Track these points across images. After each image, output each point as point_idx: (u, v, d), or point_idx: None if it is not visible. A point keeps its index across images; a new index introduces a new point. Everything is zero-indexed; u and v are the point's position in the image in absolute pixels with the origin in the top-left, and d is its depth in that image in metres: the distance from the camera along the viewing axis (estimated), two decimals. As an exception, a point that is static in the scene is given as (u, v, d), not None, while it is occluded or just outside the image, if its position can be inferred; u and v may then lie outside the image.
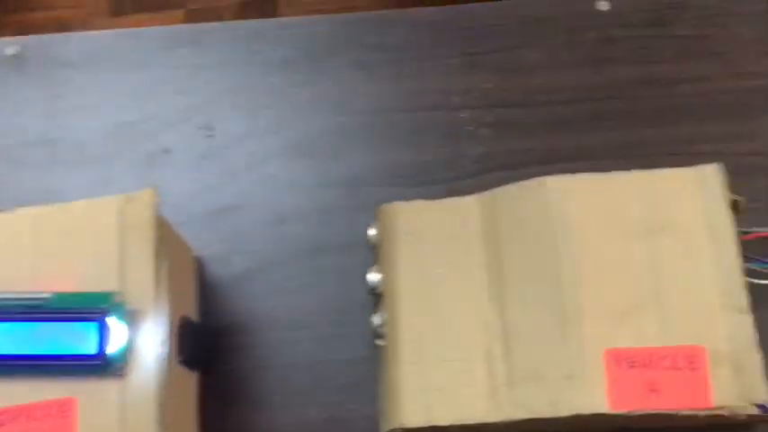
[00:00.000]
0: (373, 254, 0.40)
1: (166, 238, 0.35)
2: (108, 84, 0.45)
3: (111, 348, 0.30)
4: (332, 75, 0.45)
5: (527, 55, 0.45)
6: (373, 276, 0.38)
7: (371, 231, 0.39)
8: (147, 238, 0.32)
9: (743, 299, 0.33)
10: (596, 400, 0.32)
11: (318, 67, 0.45)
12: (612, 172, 0.35)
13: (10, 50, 0.45)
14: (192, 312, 0.39)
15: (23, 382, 0.31)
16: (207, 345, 0.38)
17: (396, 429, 0.34)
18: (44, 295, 0.31)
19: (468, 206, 0.37)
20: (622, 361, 0.32)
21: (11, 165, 0.43)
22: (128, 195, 0.33)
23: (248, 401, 0.38)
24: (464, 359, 0.35)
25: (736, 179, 0.39)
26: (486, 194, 0.37)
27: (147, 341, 0.31)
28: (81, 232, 0.33)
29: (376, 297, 0.38)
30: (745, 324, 0.33)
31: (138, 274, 0.32)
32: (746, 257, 0.36)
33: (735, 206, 0.38)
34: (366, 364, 0.39)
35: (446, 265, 0.36)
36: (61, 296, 0.31)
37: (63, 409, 0.30)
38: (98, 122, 0.44)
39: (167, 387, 0.31)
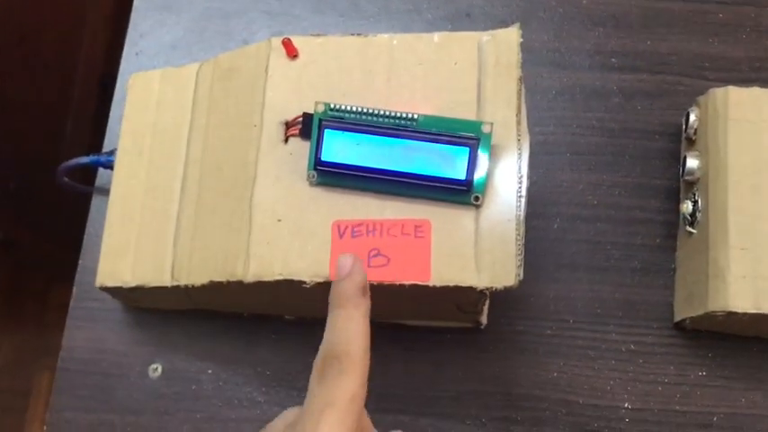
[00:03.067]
0: (683, 140, 0.39)
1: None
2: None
3: (476, 176, 0.30)
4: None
5: None
6: (692, 162, 0.36)
7: (692, 116, 0.37)
8: (511, 76, 0.31)
9: None
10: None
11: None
12: None
13: None
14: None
15: (382, 198, 0.31)
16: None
17: (714, 312, 0.33)
18: (413, 115, 0.30)
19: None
20: None
21: (317, 12, 0.43)
22: (491, 32, 0.32)
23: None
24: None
25: None
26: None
27: (504, 176, 0.30)
28: (438, 63, 0.32)
29: (686, 184, 0.37)
30: None
31: (499, 111, 0.31)
32: None
33: None
34: (660, 251, 0.38)
35: (783, 155, 0.35)
36: (428, 118, 0.30)
37: (419, 229, 0.30)
38: (398, -23, 0.43)
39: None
